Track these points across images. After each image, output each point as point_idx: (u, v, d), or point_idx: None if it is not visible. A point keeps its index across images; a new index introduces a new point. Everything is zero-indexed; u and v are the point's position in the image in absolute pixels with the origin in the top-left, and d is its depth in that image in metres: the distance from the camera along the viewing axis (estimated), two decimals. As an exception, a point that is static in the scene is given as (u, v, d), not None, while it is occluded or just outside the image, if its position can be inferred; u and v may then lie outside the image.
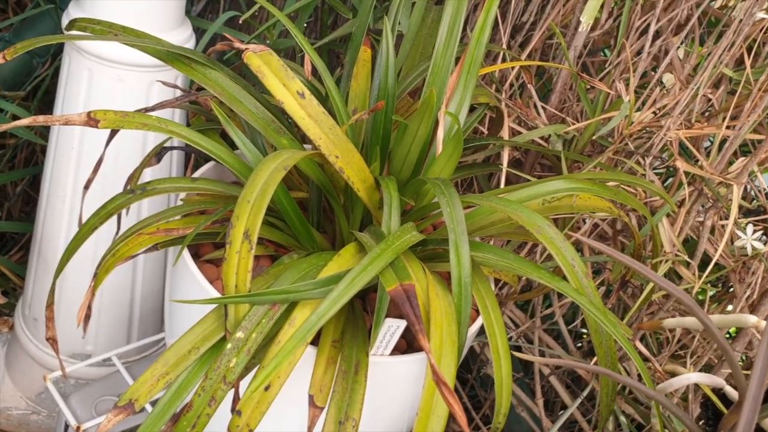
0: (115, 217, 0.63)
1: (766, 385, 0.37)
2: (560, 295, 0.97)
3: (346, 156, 0.59)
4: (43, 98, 1.11)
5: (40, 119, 0.59)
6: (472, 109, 0.74)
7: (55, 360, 0.72)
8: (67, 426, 0.79)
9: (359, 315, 0.59)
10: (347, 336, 0.56)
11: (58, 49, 1.06)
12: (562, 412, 1.11)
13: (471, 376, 1.13)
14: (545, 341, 1.01)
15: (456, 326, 0.51)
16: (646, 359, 0.66)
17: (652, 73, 0.85)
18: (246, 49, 0.57)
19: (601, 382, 0.52)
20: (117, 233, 0.70)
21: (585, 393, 0.96)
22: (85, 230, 0.59)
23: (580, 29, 0.69)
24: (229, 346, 0.49)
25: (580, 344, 1.09)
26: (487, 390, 1.12)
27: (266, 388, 0.48)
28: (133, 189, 0.60)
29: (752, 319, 0.45)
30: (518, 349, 1.08)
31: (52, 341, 0.60)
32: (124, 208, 0.60)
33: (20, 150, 1.17)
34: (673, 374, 0.58)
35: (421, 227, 0.68)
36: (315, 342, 0.55)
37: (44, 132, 1.07)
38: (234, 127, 0.59)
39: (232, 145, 0.65)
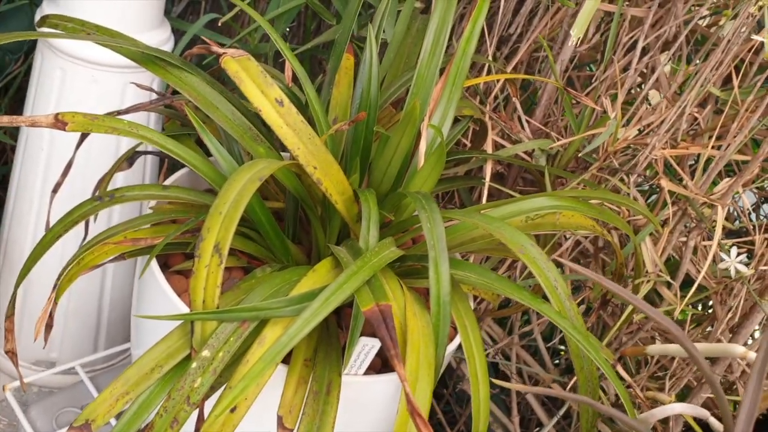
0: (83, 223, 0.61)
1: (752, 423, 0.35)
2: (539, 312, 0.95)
3: (325, 167, 0.57)
4: (15, 96, 1.08)
5: (5, 120, 0.56)
6: (456, 121, 0.73)
7: (18, 367, 0.69)
8: (26, 438, 0.76)
9: (333, 332, 0.57)
10: (320, 354, 0.54)
11: (32, 46, 1.03)
12: (537, 429, 1.10)
13: (447, 392, 1.11)
14: (522, 358, 1.00)
15: (433, 348, 0.49)
16: (625, 383, 0.65)
17: (639, 89, 0.84)
18: (224, 53, 0.55)
19: (582, 410, 0.50)
20: (84, 239, 0.68)
21: (561, 412, 0.95)
22: (49, 238, 0.56)
23: (569, 43, 0.67)
24: (194, 365, 0.46)
25: (557, 361, 1.07)
26: (463, 406, 1.10)
27: (232, 410, 0.46)
28: (101, 196, 0.57)
29: (740, 349, 0.44)
30: (495, 365, 1.07)
31: (11, 354, 0.57)
32: (91, 215, 0.57)
33: (-11, 148, 1.14)
34: (654, 401, 0.57)
35: (401, 241, 0.66)
36: (286, 360, 0.53)
37: (14, 132, 1.04)
38: (209, 134, 0.57)
39: (208, 152, 0.63)
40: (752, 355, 0.40)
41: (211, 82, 0.61)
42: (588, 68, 0.94)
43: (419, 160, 0.62)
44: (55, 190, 0.68)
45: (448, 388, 1.11)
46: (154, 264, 0.58)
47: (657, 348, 0.49)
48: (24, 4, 1.01)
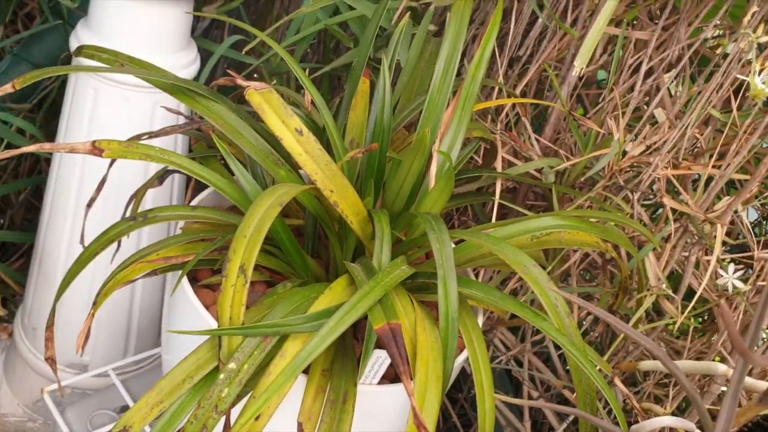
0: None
1: (731, 434, 0.39)
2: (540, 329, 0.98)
3: (341, 190, 0.61)
4: (50, 109, 1.13)
5: (47, 146, 0.61)
6: (467, 141, 0.76)
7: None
8: (63, 438, 0.81)
9: (349, 344, 0.61)
10: (336, 365, 0.58)
11: (65, 63, 1.09)
12: (550, 433, 1.13)
13: (461, 396, 1.14)
14: (535, 364, 1.03)
15: (441, 362, 0.53)
16: (627, 392, 0.68)
17: (645, 107, 0.87)
18: (248, 86, 0.59)
19: (581, 423, 0.54)
20: (116, 252, 0.72)
21: (572, 417, 0.98)
22: (86, 255, 0.61)
23: (573, 73, 0.71)
24: (221, 376, 0.51)
25: (568, 368, 1.11)
26: (477, 410, 1.14)
27: (257, 418, 0.50)
28: (134, 216, 0.62)
29: (721, 367, 0.47)
30: (508, 372, 1.10)
31: (51, 361, 0.62)
32: (125, 235, 0.62)
33: (24, 159, 1.19)
34: (650, 411, 0.61)
35: (415, 256, 0.69)
36: (306, 370, 0.57)
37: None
38: (234, 160, 0.62)
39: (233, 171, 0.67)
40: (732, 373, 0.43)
41: (236, 110, 0.65)
42: (597, 85, 0.97)
43: (430, 181, 0.66)
44: (89, 205, 0.72)
45: (463, 392, 1.14)
46: (185, 280, 0.62)
47: (649, 364, 0.52)
48: (59, 24, 1.06)
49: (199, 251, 0.60)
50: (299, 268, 0.66)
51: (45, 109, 1.13)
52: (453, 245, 0.69)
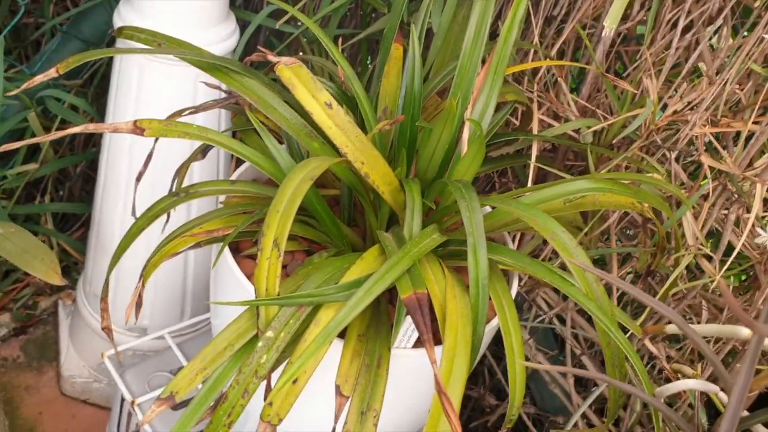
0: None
1: (751, 397, 0.39)
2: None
3: (372, 162, 0.62)
4: (100, 84, 1.17)
5: (91, 127, 0.64)
6: (501, 105, 0.76)
7: (114, 332, 0.78)
8: (123, 399, 0.86)
9: (384, 310, 0.63)
10: (372, 330, 0.60)
11: (113, 39, 1.12)
12: (594, 388, 1.14)
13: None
14: (577, 322, 1.04)
15: (471, 328, 0.55)
16: (659, 357, 0.69)
17: (685, 63, 0.86)
18: (278, 61, 0.61)
19: (609, 388, 0.55)
20: (166, 223, 0.76)
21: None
22: (134, 230, 0.64)
23: (604, 33, 0.70)
24: (260, 344, 0.54)
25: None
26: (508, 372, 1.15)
27: (294, 382, 0.53)
28: (178, 192, 0.65)
29: (744, 331, 0.48)
30: (552, 330, 1.11)
31: (107, 330, 0.66)
32: (170, 209, 0.65)
33: (79, 133, 1.23)
34: (680, 373, 0.61)
35: (449, 222, 0.71)
36: (342, 334, 0.59)
37: (100, 120, 1.13)
38: (268, 134, 0.64)
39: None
40: (754, 337, 0.43)
41: (269, 84, 0.67)
42: (636, 41, 0.95)
43: (462, 147, 0.67)
44: (138, 179, 0.76)
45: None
46: (227, 251, 0.65)
47: (674, 327, 0.53)
48: (104, 1, 1.09)
49: (238, 224, 0.63)
50: (336, 237, 0.68)
51: (96, 84, 1.17)
52: (489, 209, 0.70)
